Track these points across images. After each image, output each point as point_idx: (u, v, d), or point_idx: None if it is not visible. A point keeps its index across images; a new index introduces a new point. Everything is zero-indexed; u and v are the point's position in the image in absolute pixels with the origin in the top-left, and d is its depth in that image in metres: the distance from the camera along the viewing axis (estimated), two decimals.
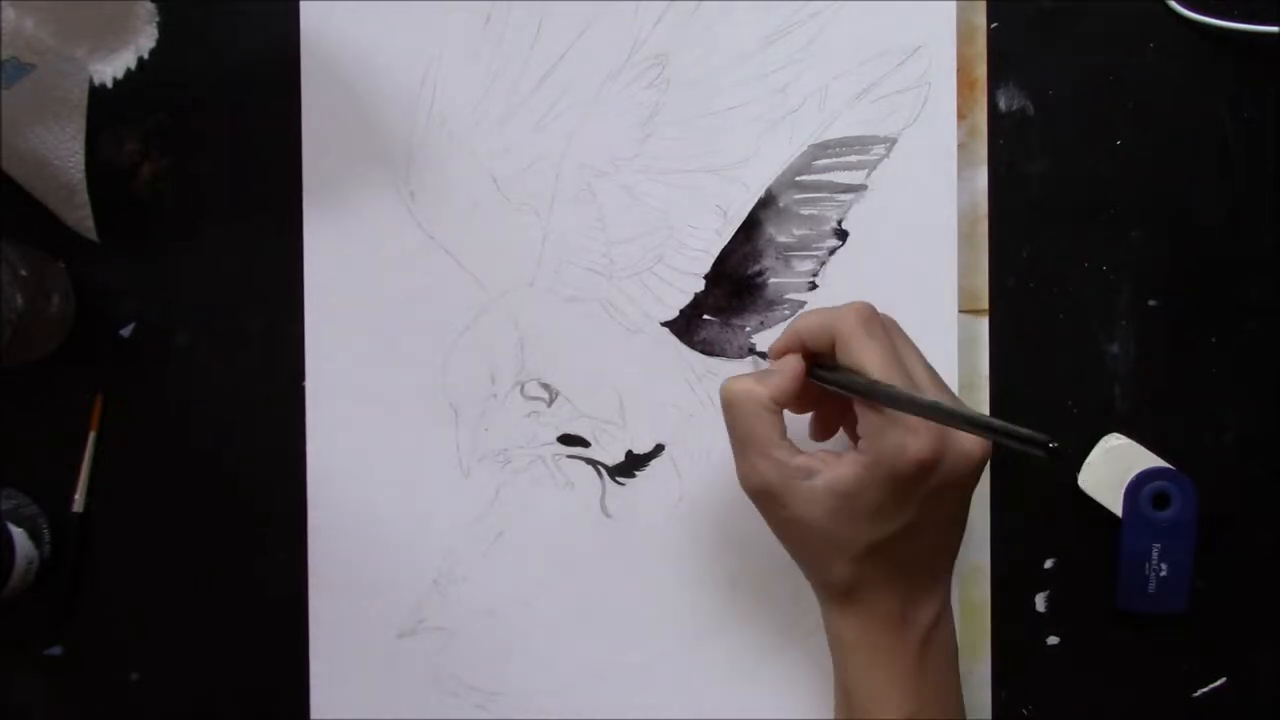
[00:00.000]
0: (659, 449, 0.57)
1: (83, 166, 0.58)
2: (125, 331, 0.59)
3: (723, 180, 0.56)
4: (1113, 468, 0.55)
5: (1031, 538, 0.56)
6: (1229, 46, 0.55)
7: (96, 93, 0.58)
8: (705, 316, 0.57)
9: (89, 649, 0.60)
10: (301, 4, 0.58)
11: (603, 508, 0.57)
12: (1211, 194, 0.56)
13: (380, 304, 0.58)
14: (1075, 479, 0.56)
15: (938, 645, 0.49)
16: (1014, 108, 0.56)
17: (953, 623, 0.50)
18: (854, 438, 0.48)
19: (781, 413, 0.49)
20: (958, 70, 0.55)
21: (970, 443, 0.46)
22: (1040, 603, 0.56)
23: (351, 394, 0.58)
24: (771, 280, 0.56)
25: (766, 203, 0.56)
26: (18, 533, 0.57)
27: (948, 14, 0.55)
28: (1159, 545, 0.55)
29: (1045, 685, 0.57)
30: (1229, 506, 0.55)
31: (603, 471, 0.57)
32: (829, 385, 0.48)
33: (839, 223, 0.56)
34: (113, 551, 0.60)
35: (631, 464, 0.57)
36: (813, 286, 0.56)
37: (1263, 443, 0.56)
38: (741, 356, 0.57)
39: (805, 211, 0.56)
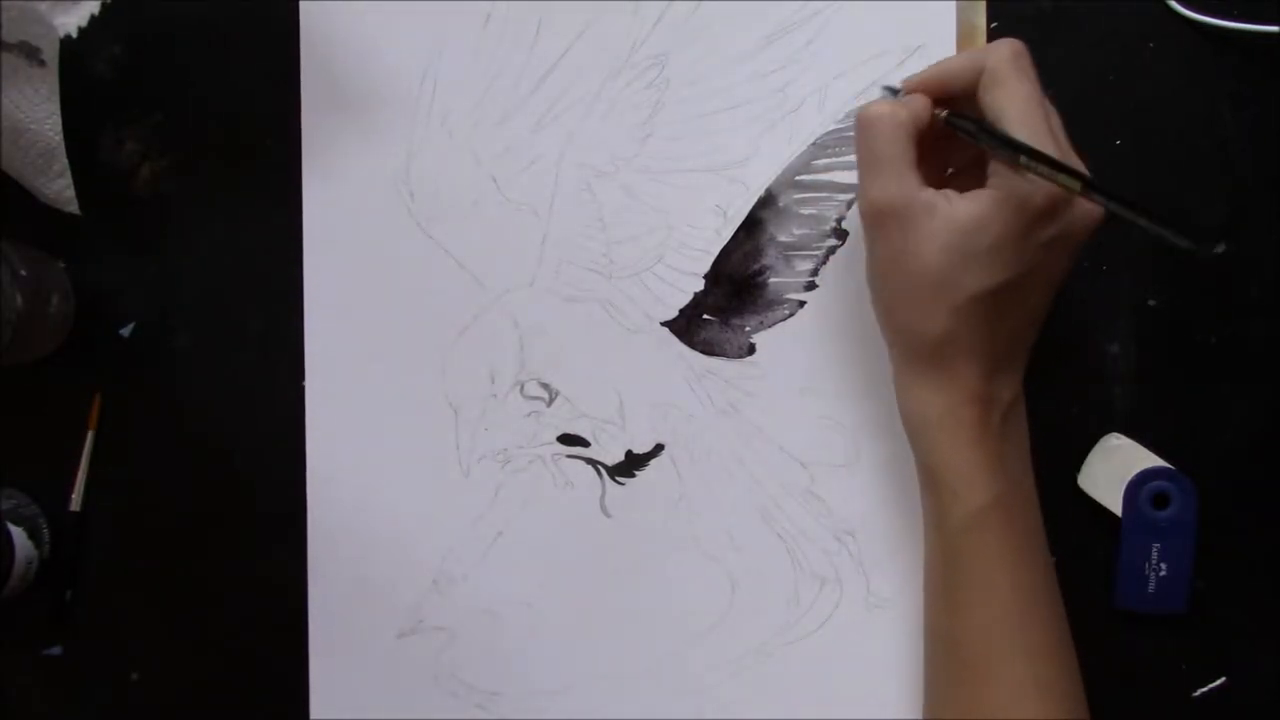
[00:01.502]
0: (659, 449, 0.57)
1: (60, 129, 0.57)
2: (125, 331, 0.59)
3: (723, 180, 0.57)
4: (1112, 467, 0.55)
5: None
6: (1229, 46, 0.55)
7: (95, 92, 0.59)
8: (705, 316, 0.57)
9: (89, 649, 0.60)
10: (301, 4, 0.58)
11: (602, 508, 0.57)
12: (1211, 194, 0.56)
13: (380, 304, 0.58)
14: (1075, 479, 0.56)
15: (1016, 429, 0.49)
16: None
17: (1024, 411, 0.50)
18: (961, 187, 0.48)
19: (914, 141, 0.48)
20: None
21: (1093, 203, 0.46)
22: None
23: (351, 394, 0.58)
24: (771, 280, 0.57)
25: (766, 202, 0.56)
26: (17, 532, 0.57)
27: (948, 14, 0.55)
28: (1159, 545, 0.55)
29: None
30: (1229, 506, 0.55)
31: (602, 471, 0.57)
32: (965, 131, 0.47)
33: (839, 222, 0.56)
34: (112, 551, 0.60)
35: (631, 464, 0.57)
36: (812, 286, 0.56)
37: (1263, 443, 0.56)
38: (741, 356, 0.57)
39: (805, 211, 0.56)
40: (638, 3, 0.56)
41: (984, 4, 0.56)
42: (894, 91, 0.51)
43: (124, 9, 0.57)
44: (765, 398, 0.57)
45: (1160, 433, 0.56)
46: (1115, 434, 0.56)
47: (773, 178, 0.56)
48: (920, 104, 0.48)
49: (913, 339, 0.48)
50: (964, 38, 0.56)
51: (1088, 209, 0.46)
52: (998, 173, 0.46)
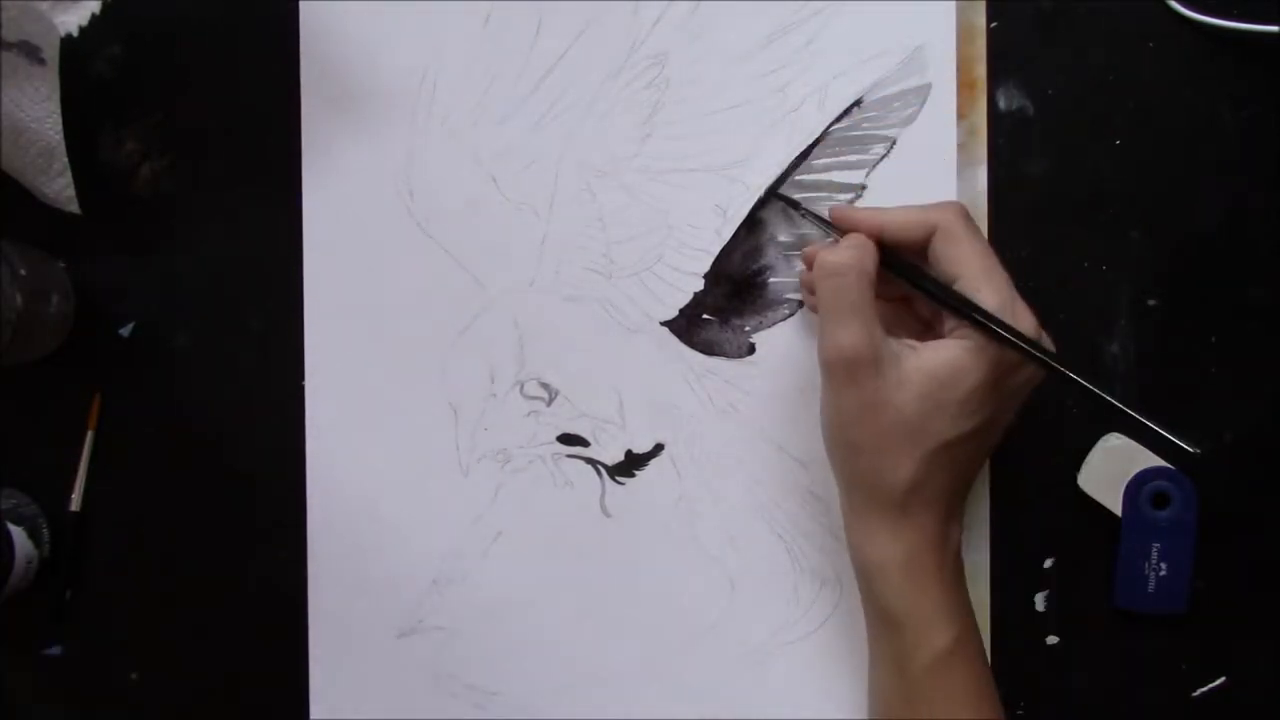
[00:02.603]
0: (659, 449, 0.57)
1: (60, 128, 0.57)
2: (124, 331, 0.59)
3: (723, 180, 0.56)
4: (1112, 467, 0.55)
5: (1031, 538, 0.56)
6: (1229, 46, 0.55)
7: (95, 92, 0.59)
8: (705, 316, 0.57)
9: (88, 649, 0.60)
10: (301, 4, 0.58)
11: (602, 507, 0.57)
12: (1211, 194, 0.56)
13: (380, 304, 0.58)
14: (1075, 479, 0.56)
15: (960, 570, 0.50)
16: (1014, 108, 0.56)
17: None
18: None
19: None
20: (958, 70, 0.55)
21: (1049, 343, 0.48)
22: (1040, 602, 0.56)
23: (351, 394, 0.58)
24: (771, 280, 0.57)
25: (766, 202, 0.56)
26: (17, 532, 0.57)
27: (948, 14, 0.55)
28: (1159, 545, 0.55)
29: (1045, 685, 0.56)
30: (1229, 506, 0.55)
31: (602, 471, 0.57)
32: (928, 293, 0.49)
33: None
34: (112, 551, 0.60)
35: (631, 463, 0.57)
36: None
37: (1263, 443, 0.56)
38: (741, 356, 0.57)
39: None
40: (638, 2, 0.56)
41: (984, 4, 0.56)
42: (794, 204, 0.54)
43: (124, 9, 0.57)
44: (765, 398, 0.57)
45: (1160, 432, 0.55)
46: (1115, 434, 0.56)
47: (773, 178, 0.56)
48: (872, 252, 0.49)
49: (876, 486, 0.49)
50: (964, 38, 0.56)
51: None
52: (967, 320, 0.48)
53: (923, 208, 0.50)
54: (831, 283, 0.48)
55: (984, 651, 0.51)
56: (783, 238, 0.56)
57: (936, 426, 0.47)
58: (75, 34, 0.54)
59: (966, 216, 0.49)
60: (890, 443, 0.48)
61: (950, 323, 0.48)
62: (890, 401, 0.47)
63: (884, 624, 0.49)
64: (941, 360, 0.47)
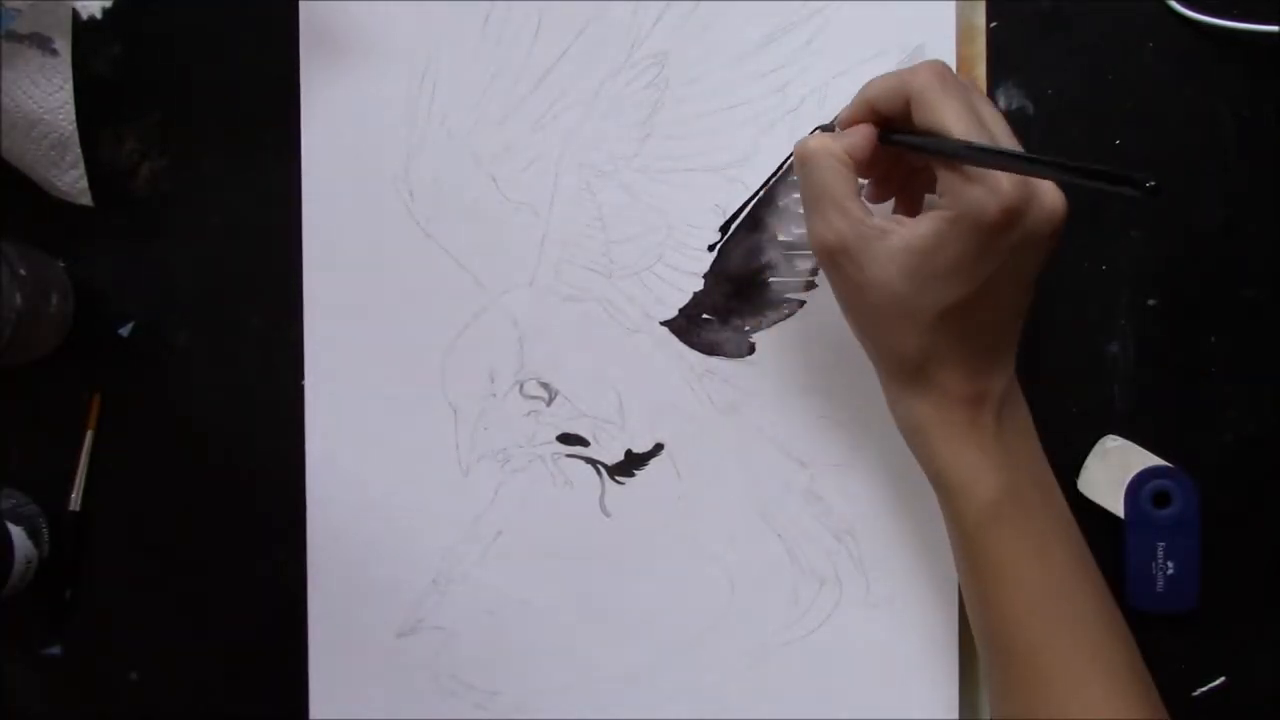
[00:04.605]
0: (658, 448, 0.57)
1: (73, 119, 0.57)
2: (124, 331, 0.59)
3: (723, 180, 0.57)
4: (1111, 469, 0.55)
5: None
6: (1229, 46, 0.55)
7: (95, 92, 0.59)
8: (705, 316, 0.57)
9: (88, 649, 0.60)
10: (301, 4, 0.58)
11: (602, 507, 0.57)
12: (1211, 194, 0.56)
13: (380, 303, 0.58)
14: (1073, 481, 0.56)
15: (1014, 416, 0.49)
16: (1014, 108, 0.56)
17: (1022, 396, 0.50)
18: (910, 207, 0.50)
19: (854, 171, 0.48)
20: (958, 70, 0.55)
21: (1053, 197, 0.45)
22: None
23: (351, 394, 0.58)
24: (772, 279, 0.56)
25: (766, 202, 0.56)
26: (16, 531, 0.57)
27: (948, 14, 0.55)
28: (1163, 544, 0.55)
29: None
30: (1228, 506, 0.55)
31: (602, 471, 0.57)
32: (906, 147, 0.48)
33: None
34: (112, 551, 0.60)
35: (631, 463, 0.57)
36: (811, 285, 0.56)
37: (1262, 442, 0.56)
38: (741, 356, 0.57)
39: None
40: (637, 2, 0.56)
41: (984, 4, 0.56)
42: (829, 128, 0.51)
43: (124, 9, 0.57)
44: (765, 398, 0.57)
45: (1160, 432, 0.56)
46: (1111, 435, 0.56)
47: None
48: (859, 134, 0.48)
49: (891, 358, 0.49)
50: (964, 38, 0.56)
51: (1048, 209, 0.45)
52: (948, 190, 0.45)
53: (898, 73, 0.48)
54: (802, 172, 0.49)
55: (1051, 496, 0.50)
56: (782, 237, 0.56)
57: (927, 298, 0.46)
58: (99, 16, 0.54)
59: (940, 75, 0.46)
60: (887, 319, 0.48)
61: (938, 190, 0.47)
62: (875, 282, 0.47)
63: (935, 485, 0.50)
64: (919, 233, 0.46)
